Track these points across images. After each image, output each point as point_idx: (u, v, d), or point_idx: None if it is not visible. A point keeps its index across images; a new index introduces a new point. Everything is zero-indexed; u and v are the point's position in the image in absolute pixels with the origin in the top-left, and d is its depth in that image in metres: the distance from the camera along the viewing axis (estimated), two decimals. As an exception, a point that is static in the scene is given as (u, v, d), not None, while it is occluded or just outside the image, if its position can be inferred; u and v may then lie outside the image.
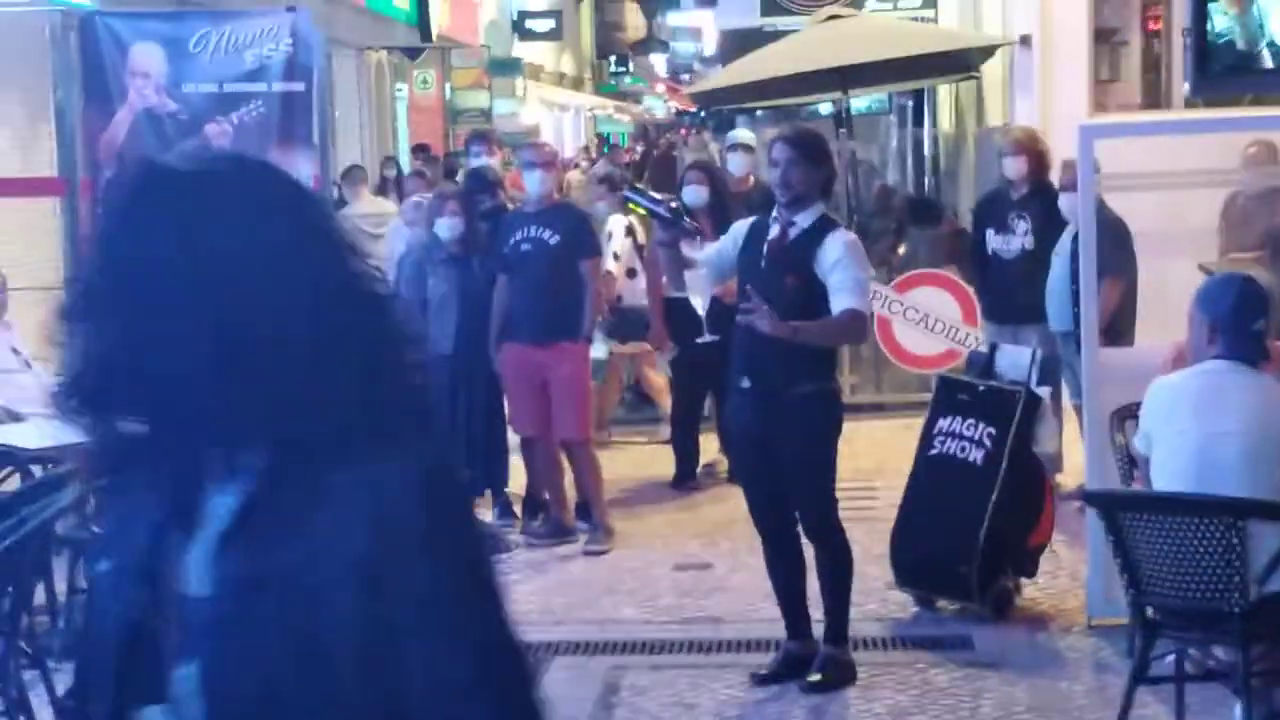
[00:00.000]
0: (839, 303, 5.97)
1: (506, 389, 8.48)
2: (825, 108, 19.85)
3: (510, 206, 8.79)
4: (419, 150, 19.17)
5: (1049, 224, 8.73)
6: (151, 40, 9.71)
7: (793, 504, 6.25)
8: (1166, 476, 5.20)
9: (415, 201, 9.18)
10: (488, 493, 9.03)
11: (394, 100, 23.87)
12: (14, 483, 7.03)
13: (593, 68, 41.78)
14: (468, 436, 8.55)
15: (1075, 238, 8.10)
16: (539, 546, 8.52)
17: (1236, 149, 8.86)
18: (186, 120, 9.64)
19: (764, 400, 6.10)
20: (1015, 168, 8.96)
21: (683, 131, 36.34)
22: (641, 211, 6.38)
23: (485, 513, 9.00)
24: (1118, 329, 7.95)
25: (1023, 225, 8.92)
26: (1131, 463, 5.82)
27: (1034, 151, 8.94)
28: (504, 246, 8.41)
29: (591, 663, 6.64)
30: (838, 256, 6.00)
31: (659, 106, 46.22)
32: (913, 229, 14.92)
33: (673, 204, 6.34)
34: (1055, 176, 8.89)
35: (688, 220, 6.30)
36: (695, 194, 9.27)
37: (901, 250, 14.84)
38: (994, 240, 9.09)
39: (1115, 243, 8.04)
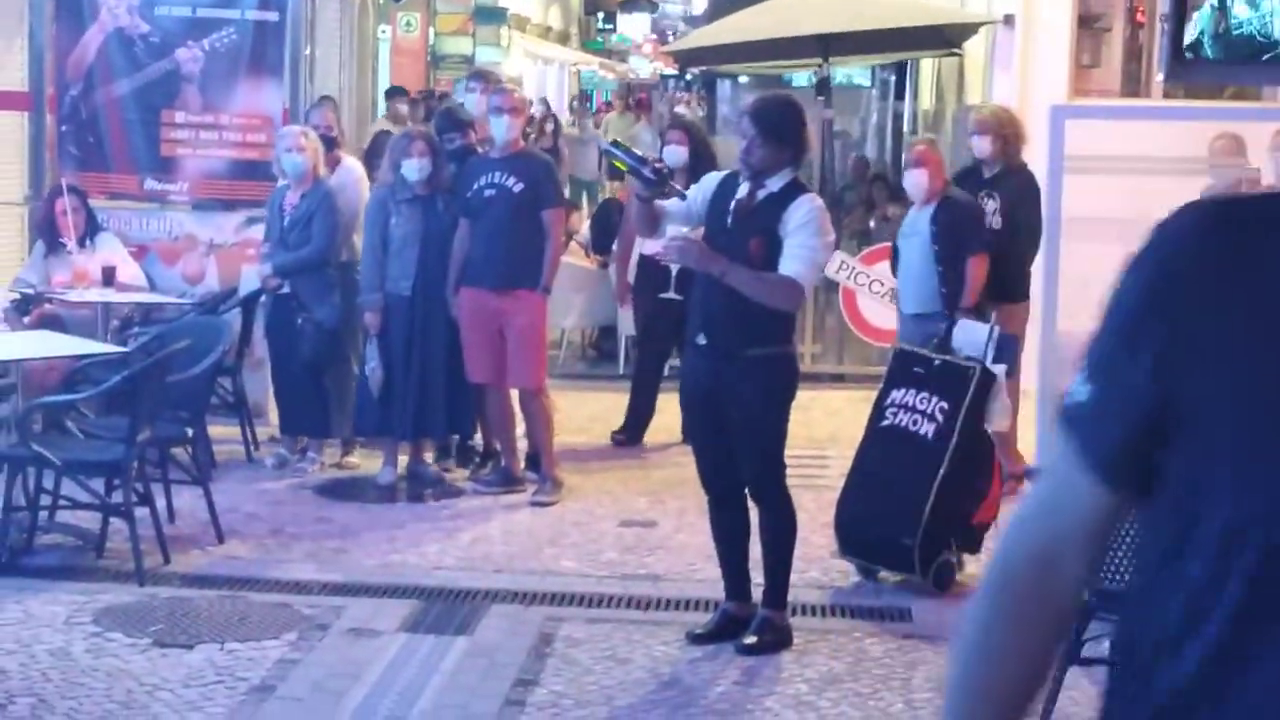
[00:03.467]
0: (785, 266, 5.92)
1: (463, 334, 8.41)
2: (801, 78, 19.79)
3: (480, 149, 8.69)
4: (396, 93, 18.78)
5: (1019, 203, 8.70)
6: (126, -40, 9.59)
7: (741, 465, 6.22)
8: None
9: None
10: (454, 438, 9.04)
11: (376, 41, 23.66)
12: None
13: (580, 23, 41.50)
14: (427, 378, 8.48)
15: (933, 219, 8.46)
16: (486, 494, 8.48)
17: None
18: (158, 43, 9.53)
19: (719, 359, 6.07)
20: (981, 147, 8.92)
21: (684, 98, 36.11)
22: (624, 168, 6.25)
23: (444, 457, 8.98)
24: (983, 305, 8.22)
25: (991, 204, 8.88)
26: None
27: (999, 132, 8.89)
28: (467, 191, 8.34)
29: (528, 612, 6.62)
30: (802, 221, 5.95)
31: (644, 66, 45.99)
32: (887, 204, 14.92)
33: (658, 164, 6.21)
34: (1029, 156, 8.86)
35: (673, 183, 6.20)
36: (675, 153, 9.21)
37: (873, 224, 14.84)
38: None
39: (978, 222, 8.44)
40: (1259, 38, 6.26)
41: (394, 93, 18.25)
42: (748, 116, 6.13)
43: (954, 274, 8.41)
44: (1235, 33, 6.23)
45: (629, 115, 25.88)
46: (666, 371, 10.00)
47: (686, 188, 8.22)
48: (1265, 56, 6.33)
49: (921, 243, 8.53)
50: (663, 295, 9.25)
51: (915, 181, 8.58)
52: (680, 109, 29.89)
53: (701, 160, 9.16)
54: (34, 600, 6.51)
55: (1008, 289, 8.62)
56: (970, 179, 9.17)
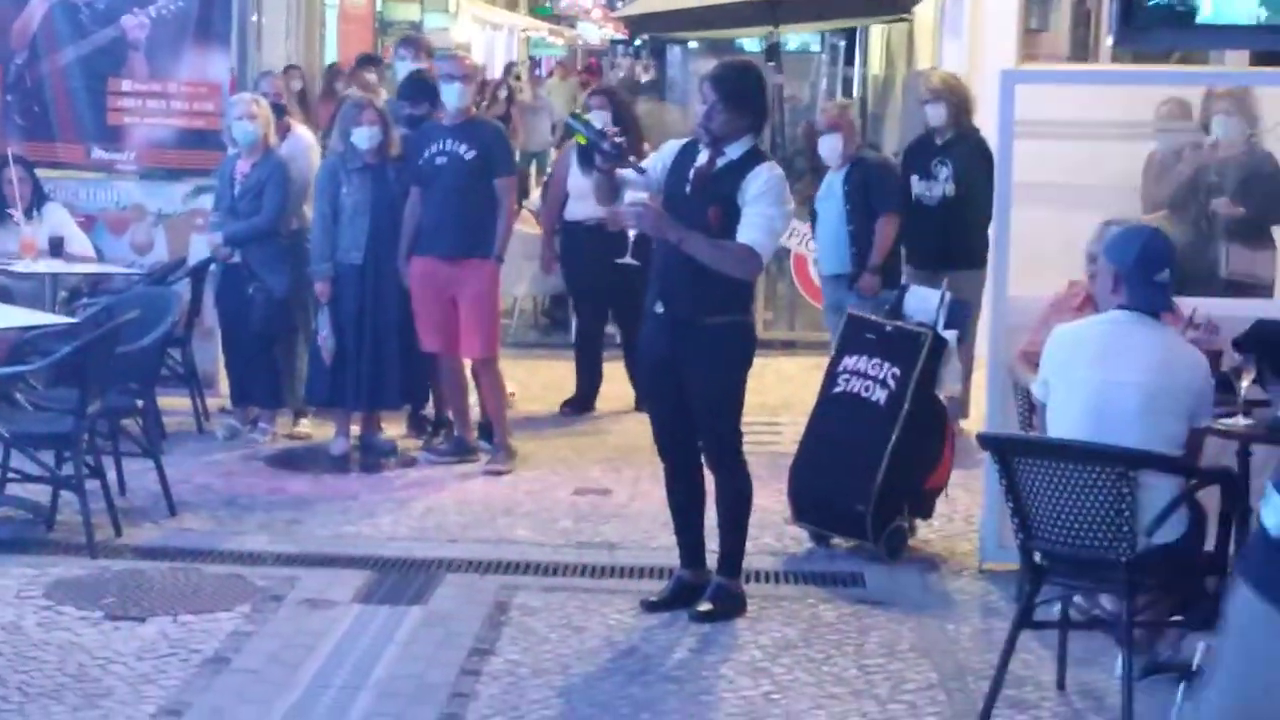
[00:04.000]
0: (742, 234, 5.93)
1: (414, 304, 8.38)
2: (750, 44, 19.76)
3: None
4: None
5: (972, 169, 8.75)
6: (69, -74, 9.47)
7: (697, 433, 6.23)
8: (1063, 423, 5.21)
9: None
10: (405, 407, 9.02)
11: (323, 8, 23.48)
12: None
13: (528, -12, 41.31)
14: (379, 347, 8.45)
15: (845, 180, 8.73)
16: (440, 464, 8.47)
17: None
18: (103, 10, 9.43)
19: (677, 327, 6.07)
20: (935, 114, 8.97)
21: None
22: (583, 141, 6.26)
23: (397, 427, 8.96)
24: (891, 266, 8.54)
25: (945, 171, 8.92)
26: (1032, 408, 5.84)
27: (951, 99, 8.94)
28: (419, 159, 8.29)
29: (483, 581, 6.61)
30: (760, 190, 5.96)
31: (593, 32, 45.81)
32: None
33: (617, 137, 6.21)
34: (979, 121, 8.90)
35: (633, 158, 6.20)
36: (599, 119, 9.20)
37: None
38: (917, 186, 9.07)
39: (889, 182, 8.63)
40: (1177, 8, 6.30)
41: (365, 61, 18.07)
42: (709, 81, 6.12)
43: (863, 233, 8.58)
44: (1150, 3, 6.27)
45: (571, 81, 25.77)
46: (617, 339, 10.02)
47: None
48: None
49: (836, 205, 8.74)
50: (620, 260, 9.26)
51: (830, 146, 8.77)
52: (629, 73, 29.79)
53: (624, 125, 9.20)
54: (-16, 574, 6.47)
55: (961, 255, 8.67)
56: (923, 147, 9.20)
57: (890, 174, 8.74)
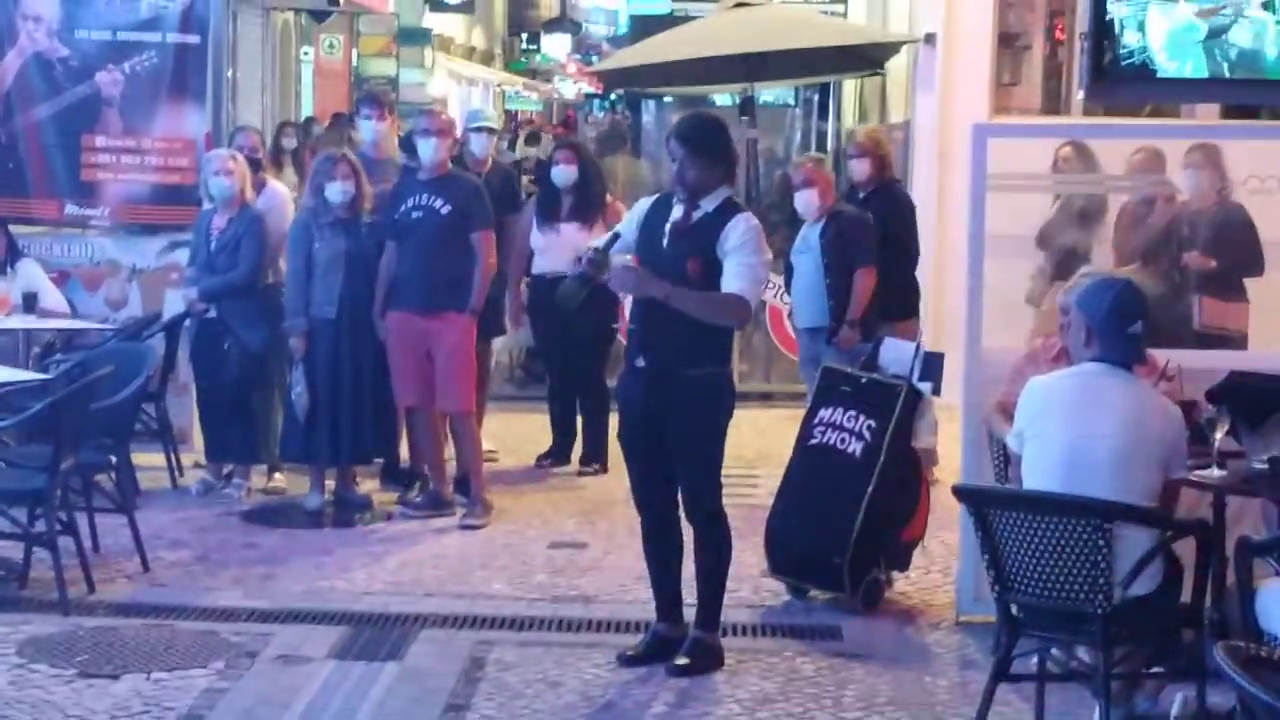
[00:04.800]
0: (728, 285, 5.95)
1: (391, 357, 8.37)
2: (724, 97, 19.84)
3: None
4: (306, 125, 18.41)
5: (894, 221, 8.86)
6: (45, -17, 9.49)
7: (677, 486, 6.22)
8: (1037, 475, 5.22)
9: None
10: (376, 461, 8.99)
11: (299, 64, 23.53)
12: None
13: (503, 44, 41.46)
14: (353, 402, 8.44)
15: (822, 233, 8.67)
16: (415, 518, 8.44)
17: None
18: (77, 67, 9.44)
19: (657, 380, 6.07)
20: (859, 169, 9.09)
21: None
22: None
23: (372, 481, 8.94)
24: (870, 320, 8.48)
25: None
26: (1007, 460, 5.85)
27: (876, 154, 9.05)
28: (394, 213, 8.31)
29: (459, 636, 6.58)
30: (739, 241, 5.98)
31: (568, 87, 45.99)
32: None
33: (591, 257, 6.11)
34: (953, 173, 8.97)
35: (613, 260, 6.22)
36: (564, 173, 9.28)
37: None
38: None
39: (866, 236, 8.60)
40: (1144, 63, 6.36)
41: (350, 118, 18.11)
42: (674, 138, 6.14)
43: (840, 286, 8.59)
44: (1124, 63, 6.33)
45: (545, 136, 25.84)
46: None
47: (576, 205, 8.95)
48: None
49: (813, 258, 8.74)
50: (614, 326, 9.39)
51: (806, 200, 8.79)
52: (608, 128, 29.84)
53: (589, 178, 9.27)
54: (-44, 632, 6.42)
55: (891, 306, 8.70)
56: (848, 202, 9.26)
57: (867, 228, 8.75)
